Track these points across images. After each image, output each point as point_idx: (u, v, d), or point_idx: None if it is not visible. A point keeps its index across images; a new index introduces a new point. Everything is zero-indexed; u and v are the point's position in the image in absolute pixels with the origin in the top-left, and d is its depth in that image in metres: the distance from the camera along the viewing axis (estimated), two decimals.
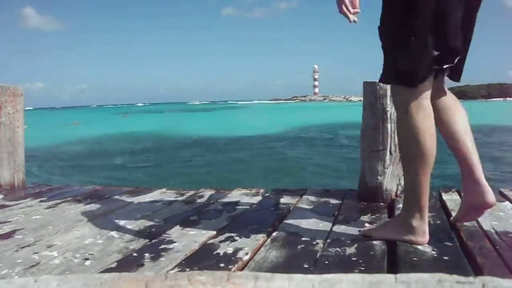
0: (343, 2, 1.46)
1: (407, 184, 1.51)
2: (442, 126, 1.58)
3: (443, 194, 2.16)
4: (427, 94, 1.44)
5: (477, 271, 1.23)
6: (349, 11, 1.46)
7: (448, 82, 1.58)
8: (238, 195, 2.32)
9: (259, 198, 2.25)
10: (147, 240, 1.59)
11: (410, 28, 1.38)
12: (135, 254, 1.44)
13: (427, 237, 1.47)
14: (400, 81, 1.45)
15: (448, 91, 1.60)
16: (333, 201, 2.12)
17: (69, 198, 2.37)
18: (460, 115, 1.58)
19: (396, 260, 1.34)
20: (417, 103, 1.43)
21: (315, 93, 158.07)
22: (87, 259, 1.41)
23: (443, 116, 1.56)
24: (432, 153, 1.44)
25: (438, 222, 1.73)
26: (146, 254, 1.43)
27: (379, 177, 2.09)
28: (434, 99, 1.52)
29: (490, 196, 1.49)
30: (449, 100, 1.59)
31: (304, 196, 2.24)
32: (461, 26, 1.40)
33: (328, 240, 1.54)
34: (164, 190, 2.55)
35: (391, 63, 1.47)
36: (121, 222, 1.84)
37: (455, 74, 1.55)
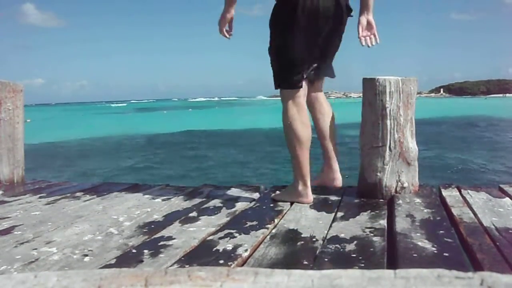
0: (221, 29, 2.13)
1: (292, 161, 2.05)
2: (315, 121, 2.22)
3: (442, 190, 2.16)
4: (301, 94, 2.02)
5: (477, 267, 1.23)
6: (225, 36, 2.15)
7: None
8: (238, 192, 2.32)
9: (258, 194, 2.25)
10: (147, 237, 1.59)
11: (287, 52, 1.98)
12: (134, 251, 1.44)
13: (310, 198, 2.02)
14: (283, 86, 2.04)
15: (324, 98, 2.26)
16: (333, 197, 2.12)
17: (68, 194, 2.36)
18: (329, 117, 2.23)
19: (396, 257, 1.34)
20: (293, 101, 2.01)
21: None
22: (86, 255, 1.41)
23: (317, 114, 2.22)
24: (305, 137, 2.01)
25: (438, 218, 1.73)
26: (146, 251, 1.43)
27: (378, 174, 2.09)
28: (312, 101, 2.18)
29: (339, 181, 2.26)
30: (325, 104, 2.24)
31: None
32: (324, 44, 2.03)
33: (328, 237, 1.54)
34: (163, 186, 2.55)
35: (277, 74, 2.05)
36: (120, 219, 1.84)
37: (327, 74, 2.23)
